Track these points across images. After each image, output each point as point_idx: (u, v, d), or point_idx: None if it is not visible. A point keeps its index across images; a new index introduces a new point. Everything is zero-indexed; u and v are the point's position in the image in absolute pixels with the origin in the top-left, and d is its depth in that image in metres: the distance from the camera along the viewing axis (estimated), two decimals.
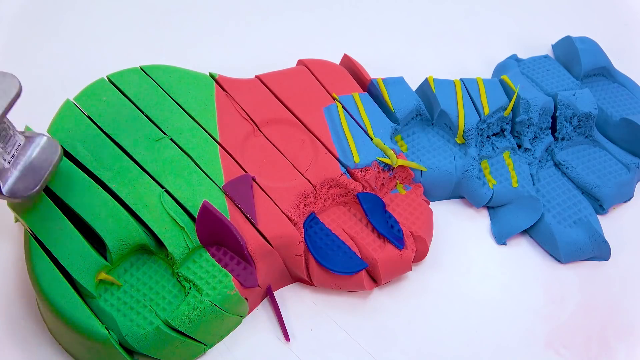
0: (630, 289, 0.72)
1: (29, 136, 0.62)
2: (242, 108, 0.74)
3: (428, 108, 0.79)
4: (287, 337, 0.64)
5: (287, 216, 0.66)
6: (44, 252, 0.61)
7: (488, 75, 0.91)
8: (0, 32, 0.91)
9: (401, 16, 1.00)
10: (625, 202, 0.79)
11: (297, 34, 0.96)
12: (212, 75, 0.76)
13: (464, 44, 0.97)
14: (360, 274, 0.65)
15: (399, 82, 0.79)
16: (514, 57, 0.91)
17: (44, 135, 0.62)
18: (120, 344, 0.58)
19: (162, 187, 0.66)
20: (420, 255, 0.70)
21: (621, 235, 0.75)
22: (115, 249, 0.62)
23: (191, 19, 0.96)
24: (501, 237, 0.74)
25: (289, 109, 0.75)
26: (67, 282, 0.59)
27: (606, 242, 0.72)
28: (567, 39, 0.91)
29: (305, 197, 0.68)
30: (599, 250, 0.72)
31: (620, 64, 0.91)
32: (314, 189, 0.69)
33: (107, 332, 0.57)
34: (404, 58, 0.90)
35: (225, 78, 0.76)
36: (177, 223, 0.63)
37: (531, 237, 0.75)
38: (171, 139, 0.69)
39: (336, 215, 0.70)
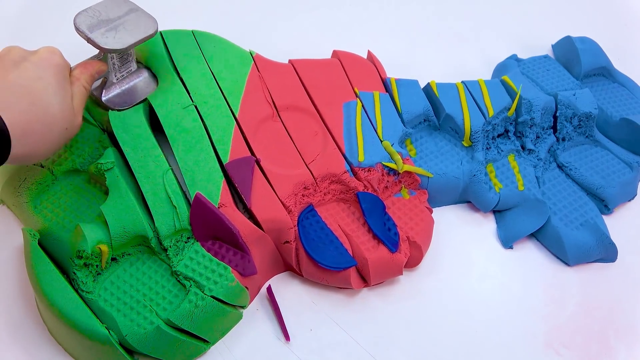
0: (630, 289, 0.72)
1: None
2: (269, 90, 0.76)
3: (433, 112, 0.79)
4: (287, 337, 0.65)
5: (282, 202, 0.67)
6: (44, 253, 0.61)
7: (488, 74, 0.92)
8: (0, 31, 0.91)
9: (401, 16, 1.00)
10: (629, 200, 0.79)
11: (303, 28, 0.98)
12: (251, 53, 0.79)
13: (464, 43, 0.97)
14: (348, 271, 0.65)
15: (412, 85, 0.80)
16: (514, 57, 0.91)
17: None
18: (121, 344, 0.59)
19: (171, 152, 0.69)
20: (414, 261, 0.70)
21: (623, 235, 0.75)
22: (117, 235, 0.62)
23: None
24: (508, 241, 0.74)
25: (311, 98, 0.76)
26: (67, 282, 0.60)
27: (613, 244, 0.72)
28: (567, 39, 0.91)
29: (305, 187, 0.69)
30: (606, 252, 0.72)
31: (620, 64, 0.91)
32: (315, 181, 0.70)
33: (107, 332, 0.57)
34: (403, 58, 0.91)
35: (261, 58, 0.79)
36: (171, 201, 0.65)
37: (538, 240, 0.75)
38: (195, 107, 0.73)
39: (335, 210, 0.70)
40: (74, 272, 0.61)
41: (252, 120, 0.73)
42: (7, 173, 0.69)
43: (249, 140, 0.71)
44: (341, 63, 0.81)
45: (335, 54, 0.82)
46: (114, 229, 0.62)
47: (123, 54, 0.70)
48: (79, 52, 0.83)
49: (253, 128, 0.72)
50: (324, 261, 0.65)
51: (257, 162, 0.69)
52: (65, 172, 0.70)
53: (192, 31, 0.80)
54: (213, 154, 0.69)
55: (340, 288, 0.69)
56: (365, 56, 0.84)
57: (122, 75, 0.73)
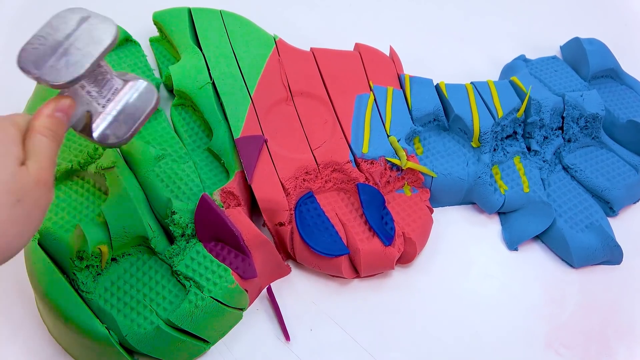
0: (630, 289, 0.73)
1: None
2: (286, 75, 0.79)
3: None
4: (287, 337, 0.66)
5: (281, 183, 0.70)
6: (44, 252, 0.63)
7: (495, 75, 0.93)
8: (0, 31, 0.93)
9: (408, 17, 1.02)
10: (634, 203, 0.81)
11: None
12: (274, 38, 0.83)
13: (472, 44, 0.98)
14: (340, 259, 0.67)
15: (426, 83, 0.81)
16: (522, 58, 0.92)
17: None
18: (121, 344, 0.60)
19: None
20: (407, 257, 0.71)
21: (627, 237, 0.76)
22: (117, 235, 0.64)
23: None
24: (513, 243, 0.75)
25: (326, 87, 0.79)
26: (67, 282, 0.61)
27: (619, 246, 0.73)
28: (576, 40, 0.92)
29: (307, 172, 0.72)
30: (612, 254, 0.74)
31: (629, 66, 0.92)
32: (317, 167, 0.72)
33: (107, 332, 0.59)
34: (410, 59, 0.91)
35: (283, 43, 0.83)
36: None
37: (543, 242, 0.76)
38: (213, 83, 0.77)
39: (334, 199, 0.72)
40: (74, 273, 0.63)
41: (266, 101, 0.76)
42: None
43: (260, 120, 0.74)
44: (361, 56, 0.83)
45: (357, 47, 0.85)
46: (114, 229, 0.64)
47: (96, 76, 0.57)
48: None
49: (265, 109, 0.75)
50: (317, 247, 0.67)
51: (265, 142, 0.72)
52: (65, 172, 0.71)
53: (220, 11, 0.84)
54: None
55: (339, 285, 0.70)
56: (383, 51, 0.86)
57: (108, 99, 0.58)
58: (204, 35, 0.82)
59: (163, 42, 0.87)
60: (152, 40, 0.87)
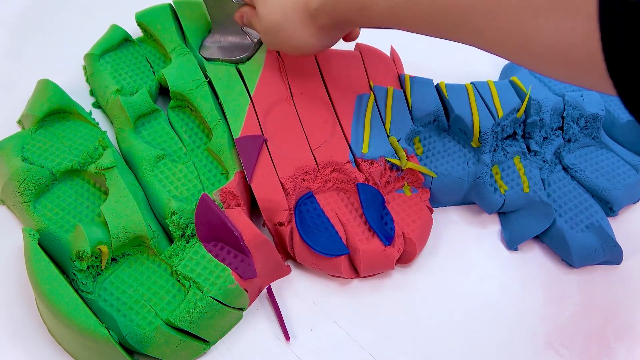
0: (630, 289, 0.74)
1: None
2: (287, 74, 0.79)
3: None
4: (287, 337, 0.67)
5: (281, 183, 0.70)
6: (44, 253, 0.63)
7: (495, 75, 0.93)
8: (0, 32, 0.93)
9: None
10: (634, 203, 0.81)
11: None
12: None
13: None
14: (340, 259, 0.68)
15: (426, 83, 0.82)
16: None
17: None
18: (121, 344, 0.60)
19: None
20: (407, 257, 0.72)
21: (626, 237, 0.76)
22: (117, 235, 0.65)
23: None
24: (513, 243, 0.76)
25: (326, 87, 0.79)
26: (67, 282, 0.61)
27: (619, 247, 0.73)
28: None
29: (306, 172, 0.72)
30: (611, 255, 0.74)
31: None
32: (317, 167, 0.72)
33: (107, 332, 0.59)
34: (411, 59, 0.91)
35: None
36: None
37: (543, 242, 0.77)
38: (210, 82, 0.77)
39: (333, 199, 0.73)
40: (74, 273, 0.63)
41: (266, 101, 0.76)
42: (7, 173, 0.70)
43: (260, 119, 0.74)
44: (362, 56, 0.83)
45: (358, 46, 0.85)
46: (114, 230, 0.64)
47: None
48: (78, 53, 0.85)
49: (265, 108, 0.75)
50: (317, 247, 0.67)
51: (264, 141, 0.72)
52: (65, 172, 0.71)
53: (202, 0, 0.83)
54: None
55: (339, 285, 0.71)
56: (384, 51, 0.86)
57: None
58: (190, 31, 0.81)
59: (149, 41, 0.86)
60: (139, 41, 0.86)
